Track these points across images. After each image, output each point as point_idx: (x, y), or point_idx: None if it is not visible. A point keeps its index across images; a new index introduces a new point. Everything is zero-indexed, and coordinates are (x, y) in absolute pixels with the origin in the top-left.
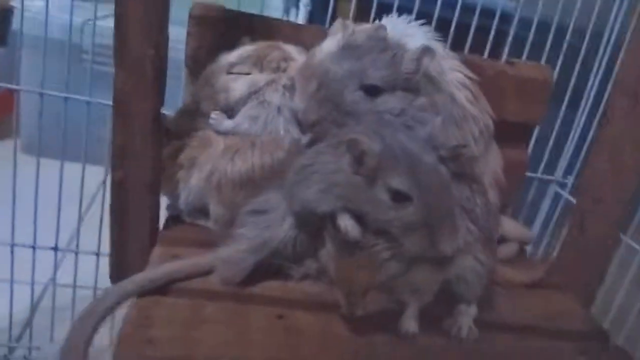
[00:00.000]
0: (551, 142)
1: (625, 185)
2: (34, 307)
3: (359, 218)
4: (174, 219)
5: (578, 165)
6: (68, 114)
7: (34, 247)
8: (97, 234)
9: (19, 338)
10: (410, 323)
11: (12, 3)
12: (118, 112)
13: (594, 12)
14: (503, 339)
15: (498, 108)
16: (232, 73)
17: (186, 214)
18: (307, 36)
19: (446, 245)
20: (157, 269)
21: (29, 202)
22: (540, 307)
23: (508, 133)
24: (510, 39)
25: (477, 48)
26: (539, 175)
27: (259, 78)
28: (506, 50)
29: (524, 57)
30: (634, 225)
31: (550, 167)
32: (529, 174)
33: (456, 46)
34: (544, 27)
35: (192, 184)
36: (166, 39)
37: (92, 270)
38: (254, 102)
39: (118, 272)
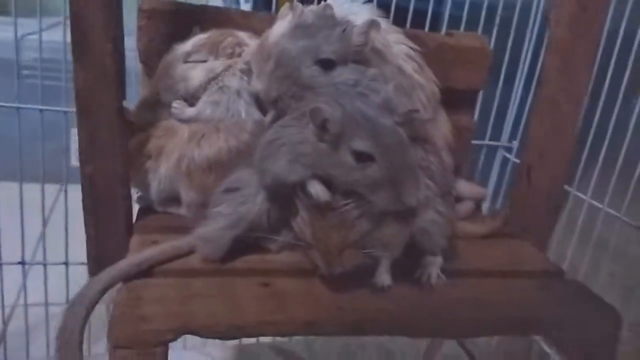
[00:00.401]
0: (494, 111)
1: (565, 138)
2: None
3: (327, 182)
4: (146, 210)
5: (521, 129)
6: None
7: (0, 264)
8: (57, 246)
9: None
10: (384, 277)
11: None
12: (81, 109)
13: None
14: (469, 283)
15: (442, 77)
16: (189, 62)
17: (158, 203)
18: (256, 22)
19: (411, 197)
20: (140, 254)
21: None
22: (499, 253)
23: (454, 100)
24: (446, 17)
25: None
26: (486, 142)
27: (216, 65)
28: (444, 29)
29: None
30: (578, 177)
31: (496, 134)
32: (477, 141)
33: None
34: (475, 5)
35: (161, 172)
36: (122, 32)
37: (56, 283)
38: (214, 88)
39: (96, 267)
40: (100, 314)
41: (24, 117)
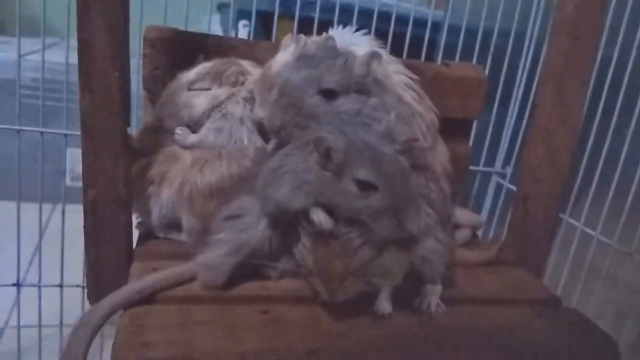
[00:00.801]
0: (488, 138)
1: (560, 164)
2: None
3: (330, 210)
4: (146, 236)
5: (514, 156)
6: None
7: None
8: (49, 267)
9: None
10: (385, 304)
11: None
12: (86, 134)
13: (515, 15)
14: (468, 311)
15: (439, 106)
16: (193, 89)
17: (158, 229)
18: (258, 51)
19: (412, 225)
20: (142, 280)
21: None
22: (497, 281)
23: (450, 128)
24: (442, 44)
25: (411, 56)
26: (481, 168)
27: (220, 92)
28: (440, 55)
29: (457, 60)
30: (571, 205)
31: (490, 161)
32: (472, 167)
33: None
34: (470, 32)
35: (163, 198)
36: (129, 61)
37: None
38: (217, 115)
39: (96, 293)
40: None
41: (21, 136)
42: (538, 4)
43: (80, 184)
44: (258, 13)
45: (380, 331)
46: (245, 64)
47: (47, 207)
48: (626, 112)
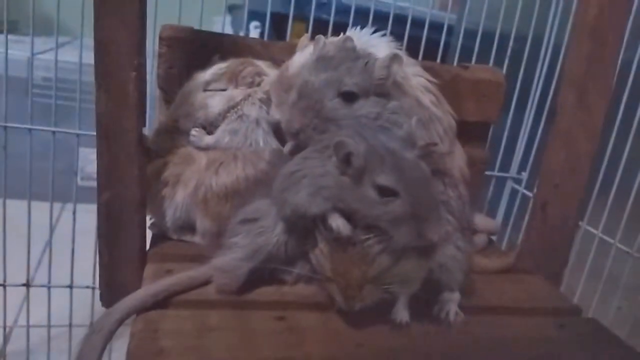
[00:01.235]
0: (504, 143)
1: (581, 170)
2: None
3: (348, 216)
4: (160, 237)
5: (530, 161)
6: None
7: (4, 285)
8: (59, 267)
9: None
10: (402, 312)
11: None
12: (102, 134)
13: (533, 18)
14: (488, 320)
15: (457, 109)
16: (208, 90)
17: (172, 231)
18: (275, 51)
19: (433, 234)
20: (156, 284)
21: None
22: (515, 289)
23: (468, 132)
24: (458, 47)
25: (427, 58)
26: (495, 173)
27: (235, 93)
28: (456, 58)
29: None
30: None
31: (505, 166)
32: (487, 172)
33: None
34: (483, 35)
35: (177, 200)
36: (145, 60)
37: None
38: (233, 116)
39: (108, 295)
40: None
41: (32, 135)
42: (556, 6)
43: (90, 183)
44: (269, 14)
45: (398, 340)
46: (262, 64)
47: (56, 206)
48: None
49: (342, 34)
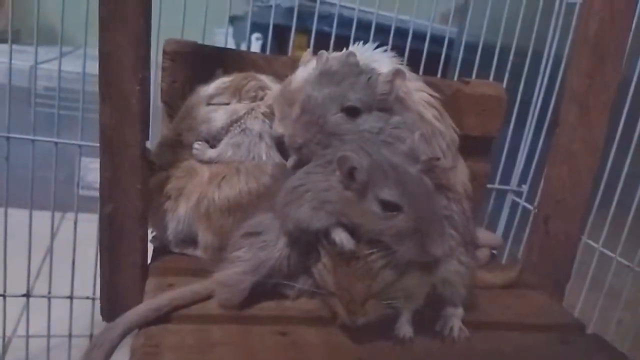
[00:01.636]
0: (504, 155)
1: (582, 185)
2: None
3: (351, 231)
4: (161, 250)
5: (530, 174)
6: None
7: (4, 296)
8: (58, 278)
9: None
10: (405, 328)
11: None
12: (105, 147)
13: (533, 32)
14: (491, 336)
15: (458, 124)
16: (212, 104)
17: (174, 244)
18: (277, 66)
19: (437, 249)
20: (158, 298)
21: None
22: (518, 305)
23: (469, 147)
24: (459, 61)
25: (427, 71)
26: (496, 186)
27: (239, 107)
28: (457, 72)
29: (473, 78)
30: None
31: (506, 178)
32: (488, 185)
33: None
34: (486, 49)
35: (180, 213)
36: (149, 73)
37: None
38: (236, 130)
39: (109, 309)
40: None
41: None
42: (556, 21)
43: (89, 193)
44: (271, 26)
45: (401, 356)
46: (265, 78)
47: (56, 215)
48: None
49: (344, 47)
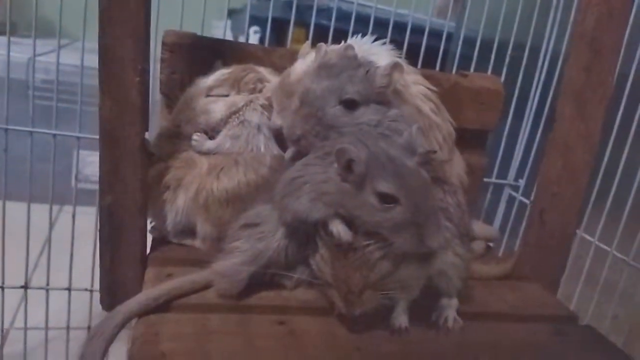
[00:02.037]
0: (502, 149)
1: (578, 179)
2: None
3: (349, 222)
4: (160, 241)
5: (527, 168)
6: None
7: (2, 287)
8: (56, 270)
9: None
10: (401, 318)
11: None
12: (105, 139)
13: (531, 27)
14: (486, 326)
15: (456, 117)
16: (211, 96)
17: (173, 235)
18: (276, 58)
19: (433, 241)
20: (158, 287)
21: None
22: (513, 296)
23: (466, 139)
24: (457, 55)
25: (426, 65)
26: (493, 180)
27: (237, 99)
28: (455, 66)
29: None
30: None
31: (503, 172)
32: (485, 179)
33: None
34: (484, 43)
35: (179, 204)
36: (149, 65)
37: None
38: (234, 122)
39: (109, 299)
40: None
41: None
42: (554, 15)
43: (87, 185)
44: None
45: (396, 345)
46: (264, 71)
47: (54, 208)
48: None
49: (342, 40)
